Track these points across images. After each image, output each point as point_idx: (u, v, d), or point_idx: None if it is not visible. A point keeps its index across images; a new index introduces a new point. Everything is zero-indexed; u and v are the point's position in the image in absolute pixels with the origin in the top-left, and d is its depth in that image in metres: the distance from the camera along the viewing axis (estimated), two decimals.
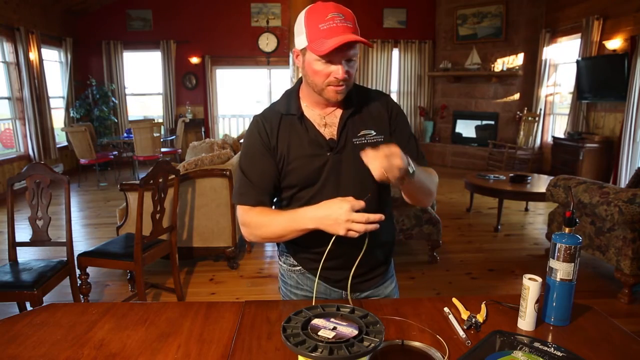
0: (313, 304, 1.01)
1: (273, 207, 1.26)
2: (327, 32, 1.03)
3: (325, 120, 1.19)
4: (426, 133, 8.53)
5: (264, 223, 1.16)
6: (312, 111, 1.19)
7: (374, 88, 1.41)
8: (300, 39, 1.09)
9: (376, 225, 1.00)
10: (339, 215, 1.01)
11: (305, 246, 1.26)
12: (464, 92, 8.15)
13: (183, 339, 1.05)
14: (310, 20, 1.06)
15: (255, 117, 1.23)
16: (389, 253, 1.35)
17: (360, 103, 1.20)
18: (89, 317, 1.14)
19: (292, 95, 1.22)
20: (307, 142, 1.17)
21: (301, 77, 1.19)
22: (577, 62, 6.07)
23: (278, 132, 1.18)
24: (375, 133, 1.18)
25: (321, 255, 1.24)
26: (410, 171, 1.04)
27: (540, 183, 4.46)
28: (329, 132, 1.18)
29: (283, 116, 1.19)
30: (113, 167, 7.75)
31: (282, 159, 1.18)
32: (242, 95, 9.80)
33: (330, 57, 1.06)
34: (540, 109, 7.13)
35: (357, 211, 1.01)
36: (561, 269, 1.05)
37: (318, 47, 1.04)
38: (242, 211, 1.19)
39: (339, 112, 1.19)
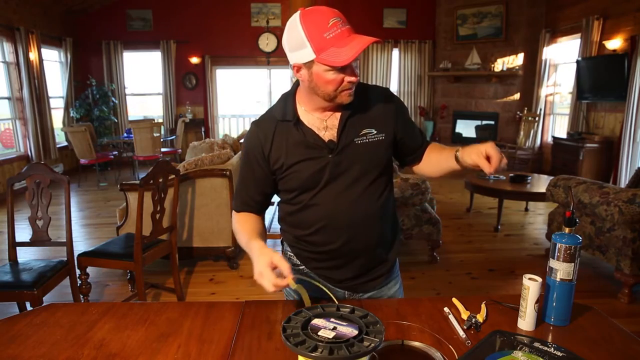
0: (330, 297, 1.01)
1: (270, 206, 1.33)
2: (335, 40, 1.01)
3: (326, 123, 1.18)
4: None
5: (236, 231, 1.27)
6: (311, 115, 1.18)
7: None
8: (304, 53, 1.04)
9: (285, 283, 1.02)
10: (256, 268, 1.07)
11: (307, 246, 1.27)
12: (464, 92, 8.15)
13: (183, 339, 1.05)
14: (312, 31, 1.01)
15: (252, 124, 1.25)
16: (394, 253, 1.34)
17: (361, 102, 1.19)
18: (89, 317, 1.14)
19: (288, 100, 1.20)
20: (304, 146, 1.16)
21: (298, 81, 1.16)
22: (577, 62, 6.07)
23: (273, 138, 1.18)
24: (376, 132, 1.18)
25: (323, 254, 1.25)
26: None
27: (540, 183, 4.45)
28: (330, 134, 1.17)
29: (279, 122, 1.19)
30: (113, 167, 7.74)
31: (277, 165, 1.18)
32: (242, 95, 9.80)
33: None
34: (540, 109, 7.13)
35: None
36: (561, 269, 1.05)
37: (333, 58, 1.01)
38: (233, 214, 1.32)
39: (338, 113, 1.18)
